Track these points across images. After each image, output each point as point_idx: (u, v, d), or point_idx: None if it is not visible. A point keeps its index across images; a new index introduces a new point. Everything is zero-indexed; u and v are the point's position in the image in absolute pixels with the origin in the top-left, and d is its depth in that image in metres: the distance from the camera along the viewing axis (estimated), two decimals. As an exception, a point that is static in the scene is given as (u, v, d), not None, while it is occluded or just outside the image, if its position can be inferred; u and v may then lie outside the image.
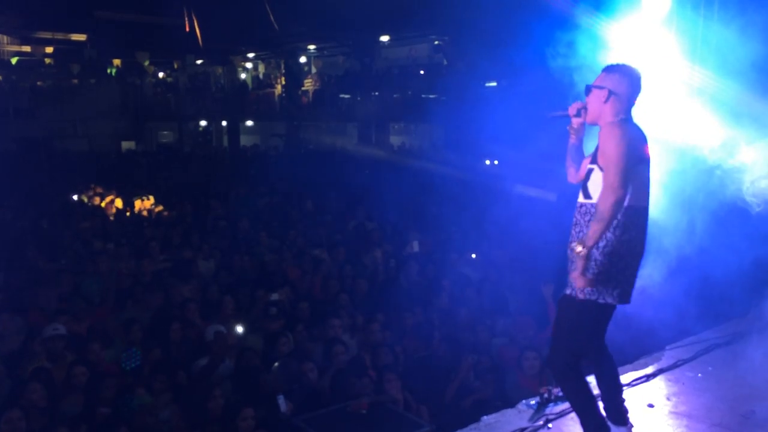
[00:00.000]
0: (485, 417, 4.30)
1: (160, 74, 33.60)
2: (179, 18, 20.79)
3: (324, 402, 5.56)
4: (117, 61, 29.55)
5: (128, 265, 9.16)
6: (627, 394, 4.09)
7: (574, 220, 3.54)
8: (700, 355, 5.17)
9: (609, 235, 3.32)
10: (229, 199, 14.98)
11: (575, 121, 3.67)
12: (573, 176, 3.74)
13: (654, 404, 4.37)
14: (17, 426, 4.76)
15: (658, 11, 5.25)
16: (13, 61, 28.11)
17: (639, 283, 3.58)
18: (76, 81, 29.74)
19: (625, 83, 3.44)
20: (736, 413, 4.21)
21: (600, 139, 3.40)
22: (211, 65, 32.29)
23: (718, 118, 5.09)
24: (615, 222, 3.30)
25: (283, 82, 28.86)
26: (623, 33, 5.15)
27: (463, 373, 6.00)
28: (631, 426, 3.75)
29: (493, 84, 19.97)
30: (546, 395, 4.40)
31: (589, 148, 3.64)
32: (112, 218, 13.39)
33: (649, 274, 4.69)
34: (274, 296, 7.81)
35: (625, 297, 3.47)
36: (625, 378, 4.55)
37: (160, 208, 13.97)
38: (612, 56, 3.68)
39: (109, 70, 29.90)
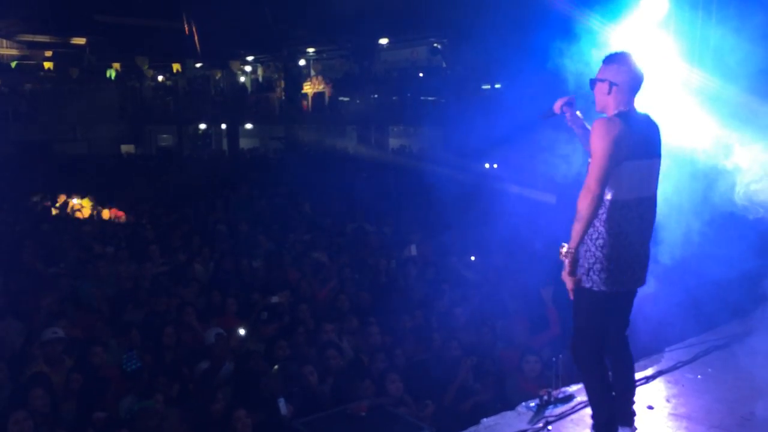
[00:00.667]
0: (485, 419, 4.29)
1: (160, 78, 33.60)
2: (179, 22, 20.83)
3: (325, 405, 5.56)
4: (116, 65, 29.58)
5: (128, 269, 9.16)
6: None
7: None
8: (700, 356, 5.16)
9: (601, 229, 3.41)
10: (229, 202, 14.99)
11: (567, 116, 3.76)
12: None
13: (653, 406, 4.36)
14: (25, 426, 4.79)
15: (656, 12, 5.24)
16: (13, 64, 28.15)
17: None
18: (75, 85, 29.74)
19: (623, 72, 3.46)
20: (736, 415, 4.21)
21: (591, 133, 3.43)
22: (210, 69, 32.31)
23: (716, 119, 5.09)
24: (604, 217, 3.39)
25: (283, 85, 28.87)
26: (621, 34, 5.15)
27: (462, 375, 5.99)
28: (635, 429, 3.76)
29: (492, 86, 20.00)
30: (546, 397, 4.40)
31: None
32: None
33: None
34: (275, 299, 7.81)
35: (631, 283, 3.56)
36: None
37: (123, 215, 13.88)
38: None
39: (108, 74, 29.92)
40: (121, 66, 29.60)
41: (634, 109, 3.50)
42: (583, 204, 3.33)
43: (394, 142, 25.76)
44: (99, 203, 15.05)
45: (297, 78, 28.50)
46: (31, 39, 26.90)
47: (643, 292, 3.79)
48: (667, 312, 5.35)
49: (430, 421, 5.41)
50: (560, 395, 4.44)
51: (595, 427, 3.71)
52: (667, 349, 5.31)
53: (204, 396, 5.65)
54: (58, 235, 11.51)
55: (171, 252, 10.23)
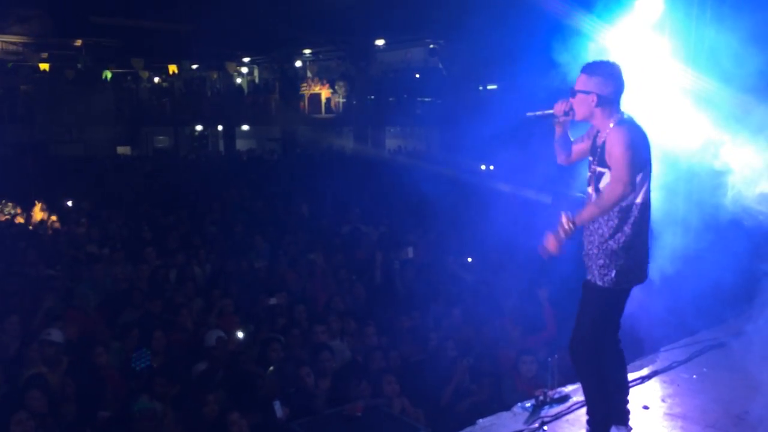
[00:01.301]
0: (481, 420, 4.30)
1: (156, 79, 33.53)
2: (175, 23, 20.82)
3: (321, 406, 5.55)
4: (112, 67, 29.49)
5: (124, 270, 9.14)
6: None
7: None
8: (695, 356, 5.18)
9: (628, 231, 3.49)
10: (225, 203, 14.97)
11: (564, 119, 3.76)
12: (564, 161, 3.91)
13: (649, 406, 4.38)
14: (27, 427, 4.80)
15: (650, 14, 5.27)
16: (9, 65, 28.04)
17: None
18: (71, 86, 29.67)
19: (609, 84, 3.52)
20: (731, 414, 4.22)
21: (608, 143, 3.47)
22: (206, 70, 32.26)
23: (710, 120, 5.11)
24: (632, 219, 3.47)
25: (279, 87, 28.86)
26: (616, 36, 5.17)
27: (458, 376, 6.00)
28: (630, 429, 3.77)
29: (488, 87, 20.03)
30: (541, 398, 4.42)
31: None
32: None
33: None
34: (272, 301, 7.80)
35: (636, 281, 3.64)
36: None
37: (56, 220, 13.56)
38: (604, 58, 3.69)
39: (104, 76, 29.85)
40: (117, 67, 29.52)
41: (624, 114, 3.56)
42: (613, 195, 3.36)
43: (390, 143, 25.77)
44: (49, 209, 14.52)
45: (293, 79, 28.49)
46: (26, 40, 26.80)
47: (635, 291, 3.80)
48: (663, 312, 5.37)
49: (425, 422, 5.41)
50: (556, 395, 4.46)
51: (590, 423, 3.74)
52: (662, 349, 5.33)
53: (199, 398, 5.64)
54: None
55: (167, 254, 10.22)
